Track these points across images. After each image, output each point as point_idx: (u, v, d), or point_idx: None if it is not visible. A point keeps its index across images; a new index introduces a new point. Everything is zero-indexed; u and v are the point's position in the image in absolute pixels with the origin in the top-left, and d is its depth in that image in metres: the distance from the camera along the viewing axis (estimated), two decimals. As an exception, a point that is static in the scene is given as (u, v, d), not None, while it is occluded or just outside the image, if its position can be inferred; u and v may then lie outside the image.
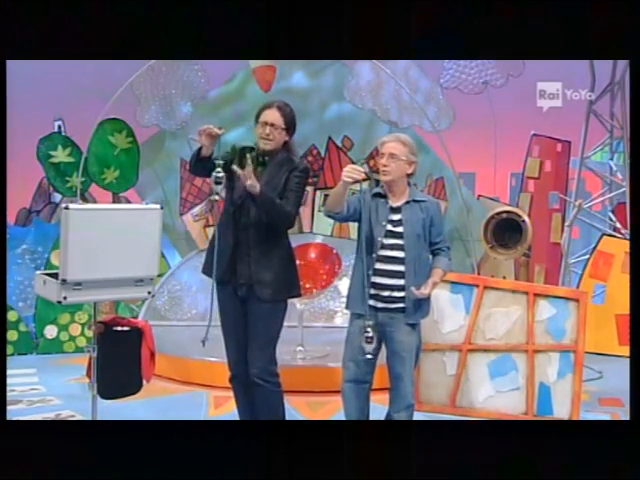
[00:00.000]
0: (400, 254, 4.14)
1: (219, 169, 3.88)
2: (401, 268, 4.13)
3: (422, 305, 4.19)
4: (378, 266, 4.14)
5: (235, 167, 3.97)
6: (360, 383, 4.20)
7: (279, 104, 4.18)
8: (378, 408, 4.34)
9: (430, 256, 4.25)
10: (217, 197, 3.97)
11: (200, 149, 3.98)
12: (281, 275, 4.13)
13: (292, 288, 4.24)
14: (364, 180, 4.03)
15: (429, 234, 4.20)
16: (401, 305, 4.13)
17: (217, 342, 4.26)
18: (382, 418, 4.33)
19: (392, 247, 4.14)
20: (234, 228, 4.13)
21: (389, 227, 4.16)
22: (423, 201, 4.24)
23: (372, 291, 4.14)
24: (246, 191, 4.03)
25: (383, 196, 4.20)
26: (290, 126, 4.17)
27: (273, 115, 4.12)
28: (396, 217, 4.18)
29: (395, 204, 4.19)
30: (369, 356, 4.01)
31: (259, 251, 4.09)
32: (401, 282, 4.12)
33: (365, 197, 4.17)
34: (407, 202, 4.19)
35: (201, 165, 4.00)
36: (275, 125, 4.11)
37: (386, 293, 4.14)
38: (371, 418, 4.31)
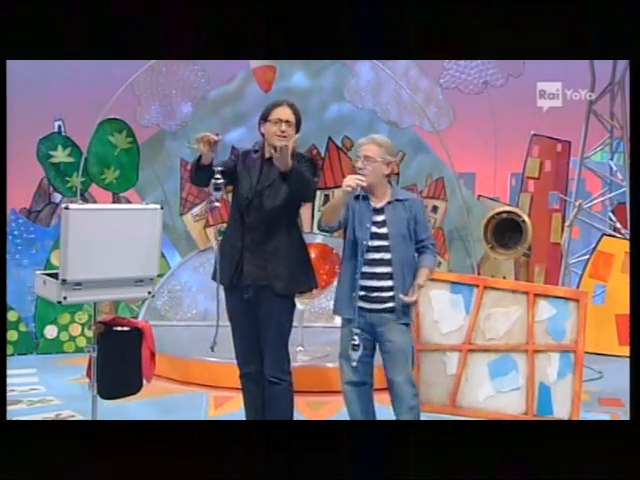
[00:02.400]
0: (386, 255, 4.11)
1: (218, 175, 3.87)
2: (388, 270, 4.10)
3: (411, 305, 4.18)
4: (365, 269, 4.10)
5: (277, 141, 3.98)
6: (359, 385, 4.19)
7: (288, 102, 4.21)
8: (378, 408, 4.34)
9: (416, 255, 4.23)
10: (217, 204, 3.95)
11: (200, 158, 3.96)
12: (296, 267, 4.13)
13: (308, 279, 4.24)
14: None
15: (414, 232, 4.17)
16: (391, 305, 4.11)
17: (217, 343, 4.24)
18: (384, 418, 4.33)
19: (378, 249, 4.11)
20: (242, 230, 4.12)
21: (373, 229, 4.12)
22: (405, 200, 4.20)
23: (361, 293, 4.11)
24: (252, 191, 4.06)
25: (366, 198, 4.15)
26: (299, 123, 4.21)
27: (286, 112, 4.14)
28: (379, 218, 4.15)
29: (378, 205, 4.16)
30: (354, 363, 4.00)
31: (273, 246, 4.08)
32: (389, 283, 4.11)
33: (349, 200, 4.12)
34: (389, 202, 4.17)
35: (202, 174, 3.97)
36: (290, 122, 4.13)
37: (375, 294, 4.11)
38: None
